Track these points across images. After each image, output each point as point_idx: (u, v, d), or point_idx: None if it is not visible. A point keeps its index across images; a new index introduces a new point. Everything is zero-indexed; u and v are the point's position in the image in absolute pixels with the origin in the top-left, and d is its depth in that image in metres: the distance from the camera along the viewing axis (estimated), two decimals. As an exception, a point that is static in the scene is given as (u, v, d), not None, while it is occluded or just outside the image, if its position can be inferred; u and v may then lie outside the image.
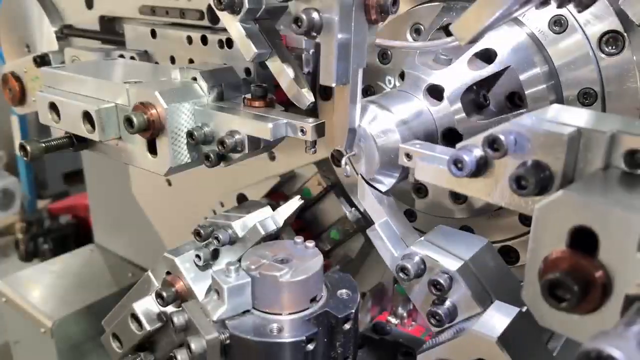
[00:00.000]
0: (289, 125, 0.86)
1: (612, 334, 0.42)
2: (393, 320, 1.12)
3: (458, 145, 0.62)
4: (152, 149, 0.93)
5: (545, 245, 0.52)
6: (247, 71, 1.05)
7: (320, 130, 0.84)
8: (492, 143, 0.58)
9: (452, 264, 0.73)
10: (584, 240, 0.50)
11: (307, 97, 0.87)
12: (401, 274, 0.75)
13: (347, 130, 0.80)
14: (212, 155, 0.90)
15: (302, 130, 0.85)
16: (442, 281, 0.72)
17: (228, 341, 0.79)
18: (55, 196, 4.09)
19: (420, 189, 0.96)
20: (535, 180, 0.55)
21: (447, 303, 0.74)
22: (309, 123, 0.84)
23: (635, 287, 0.48)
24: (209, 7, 1.12)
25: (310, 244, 0.89)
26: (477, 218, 0.95)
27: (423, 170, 0.69)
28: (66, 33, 1.49)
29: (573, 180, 0.56)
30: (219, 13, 0.84)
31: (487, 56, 0.84)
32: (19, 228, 3.67)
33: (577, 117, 0.59)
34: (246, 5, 0.81)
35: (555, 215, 0.51)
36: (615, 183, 0.53)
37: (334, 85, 0.75)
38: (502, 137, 0.57)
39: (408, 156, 0.73)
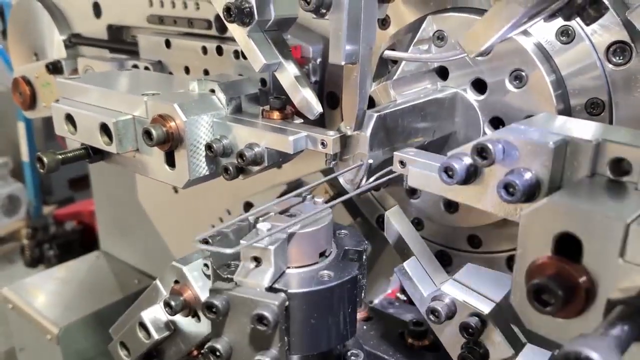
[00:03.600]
0: (310, 138, 0.85)
1: (592, 337, 0.44)
2: (402, 297, 1.12)
3: (449, 154, 0.63)
4: (170, 162, 0.92)
5: (532, 251, 0.54)
6: (263, 82, 1.04)
7: (341, 143, 0.84)
8: (481, 151, 0.59)
9: (484, 307, 0.72)
10: (569, 246, 0.51)
11: (316, 107, 0.88)
12: (431, 317, 0.74)
13: (357, 110, 0.79)
14: (230, 167, 0.89)
15: (322, 143, 0.84)
16: (473, 324, 0.71)
17: (287, 302, 0.73)
18: (61, 202, 4.10)
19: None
20: (523, 187, 0.56)
21: (478, 347, 0.73)
22: (330, 136, 0.83)
23: (617, 291, 0.49)
24: (217, 16, 1.13)
25: (319, 199, 0.86)
26: (485, 227, 0.95)
27: (415, 177, 0.71)
28: (74, 42, 1.50)
29: (560, 188, 0.58)
30: (228, 24, 0.84)
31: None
32: (25, 234, 3.69)
33: (564, 125, 0.61)
34: (256, 16, 0.81)
35: (540, 222, 0.53)
36: (601, 190, 0.54)
37: (343, 63, 0.74)
38: (490, 146, 0.58)
39: (402, 163, 0.74)
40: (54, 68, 1.42)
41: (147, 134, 0.87)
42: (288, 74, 0.88)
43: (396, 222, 0.80)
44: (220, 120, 0.92)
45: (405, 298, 1.11)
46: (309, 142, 0.86)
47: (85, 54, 1.47)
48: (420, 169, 0.71)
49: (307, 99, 0.87)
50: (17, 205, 3.99)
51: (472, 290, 0.74)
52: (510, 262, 0.96)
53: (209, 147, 0.90)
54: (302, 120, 0.93)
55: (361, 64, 0.75)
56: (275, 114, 0.91)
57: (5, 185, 3.96)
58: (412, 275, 0.78)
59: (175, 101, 0.89)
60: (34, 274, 2.20)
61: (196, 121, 0.89)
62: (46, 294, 1.97)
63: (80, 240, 3.57)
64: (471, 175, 0.62)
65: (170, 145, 0.88)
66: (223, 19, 0.83)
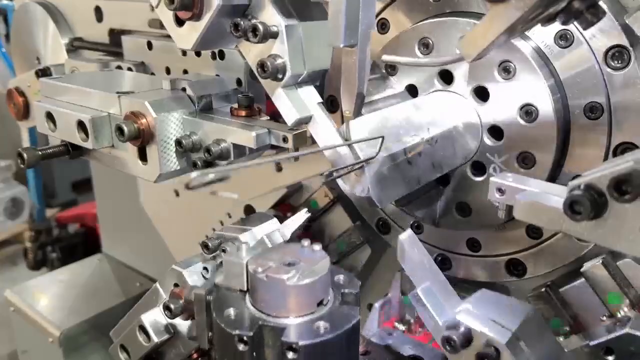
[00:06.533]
0: (272, 134, 0.89)
1: None
2: (400, 327, 1.11)
3: (570, 184, 0.57)
4: (143, 157, 0.96)
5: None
6: (239, 82, 1.08)
7: (301, 138, 0.87)
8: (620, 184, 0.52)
9: (500, 337, 0.70)
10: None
11: (347, 160, 0.83)
12: (447, 346, 0.72)
13: (355, 95, 0.78)
14: (199, 162, 0.93)
15: (284, 139, 0.88)
16: (490, 354, 0.70)
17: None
18: (64, 205, 4.10)
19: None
20: None
21: None
22: (291, 132, 0.87)
23: None
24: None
25: (317, 246, 0.83)
26: (484, 230, 0.96)
27: (524, 209, 0.63)
28: (76, 46, 1.50)
29: None
30: (262, 80, 0.83)
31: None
32: (28, 237, 3.68)
33: None
34: (289, 72, 0.81)
35: None
36: None
37: (342, 45, 0.73)
38: None
39: (500, 191, 0.67)
40: (44, 75, 1.42)
41: (120, 130, 0.91)
42: (319, 126, 0.86)
43: (409, 248, 0.78)
44: (189, 117, 0.96)
45: (403, 328, 1.10)
46: (272, 138, 0.89)
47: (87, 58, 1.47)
48: (530, 200, 0.63)
49: (338, 151, 0.84)
50: (20, 208, 4.00)
51: (487, 319, 0.72)
52: (509, 266, 0.96)
53: (178, 142, 0.94)
54: (268, 118, 0.96)
55: (360, 47, 0.75)
56: (243, 112, 0.95)
57: (8, 188, 3.97)
58: (426, 302, 0.75)
59: (147, 99, 0.93)
60: (37, 277, 2.20)
61: (166, 118, 0.93)
62: (49, 296, 1.98)
63: (83, 243, 3.57)
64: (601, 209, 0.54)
65: (142, 140, 0.92)
66: (257, 75, 0.82)
